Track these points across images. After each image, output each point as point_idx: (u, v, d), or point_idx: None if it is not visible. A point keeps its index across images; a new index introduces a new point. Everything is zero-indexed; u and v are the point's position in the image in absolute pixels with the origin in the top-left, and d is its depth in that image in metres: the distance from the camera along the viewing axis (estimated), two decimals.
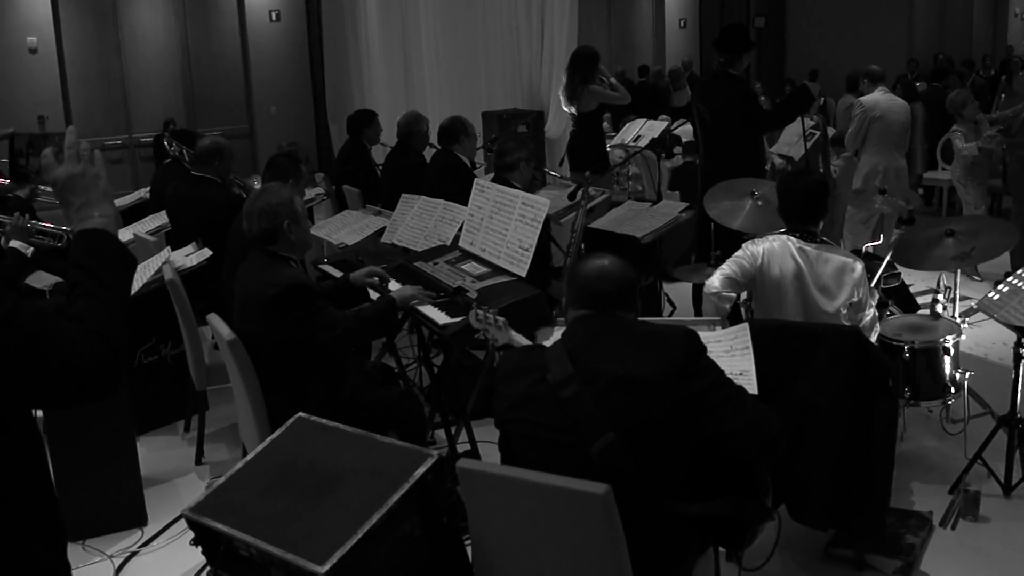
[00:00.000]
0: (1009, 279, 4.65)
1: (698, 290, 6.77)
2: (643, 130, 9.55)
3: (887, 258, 5.06)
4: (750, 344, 3.53)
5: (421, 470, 2.73)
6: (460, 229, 5.47)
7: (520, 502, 2.77)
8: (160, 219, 7.10)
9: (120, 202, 8.15)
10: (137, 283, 5.28)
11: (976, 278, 8.13)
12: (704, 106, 7.04)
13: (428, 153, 7.97)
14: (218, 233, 5.53)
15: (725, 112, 6.79)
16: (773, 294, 4.27)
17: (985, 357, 6.42)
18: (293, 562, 2.52)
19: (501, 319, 3.80)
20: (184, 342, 5.36)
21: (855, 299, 4.21)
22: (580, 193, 5.96)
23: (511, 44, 12.10)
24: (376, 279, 4.75)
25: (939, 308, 5.08)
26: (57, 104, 12.44)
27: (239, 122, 14.20)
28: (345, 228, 6.81)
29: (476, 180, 5.58)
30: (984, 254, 5.07)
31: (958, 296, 5.39)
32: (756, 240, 4.40)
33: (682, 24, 19.24)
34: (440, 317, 4.43)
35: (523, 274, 4.70)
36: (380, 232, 6.41)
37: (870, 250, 6.14)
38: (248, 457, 3.04)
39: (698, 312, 6.87)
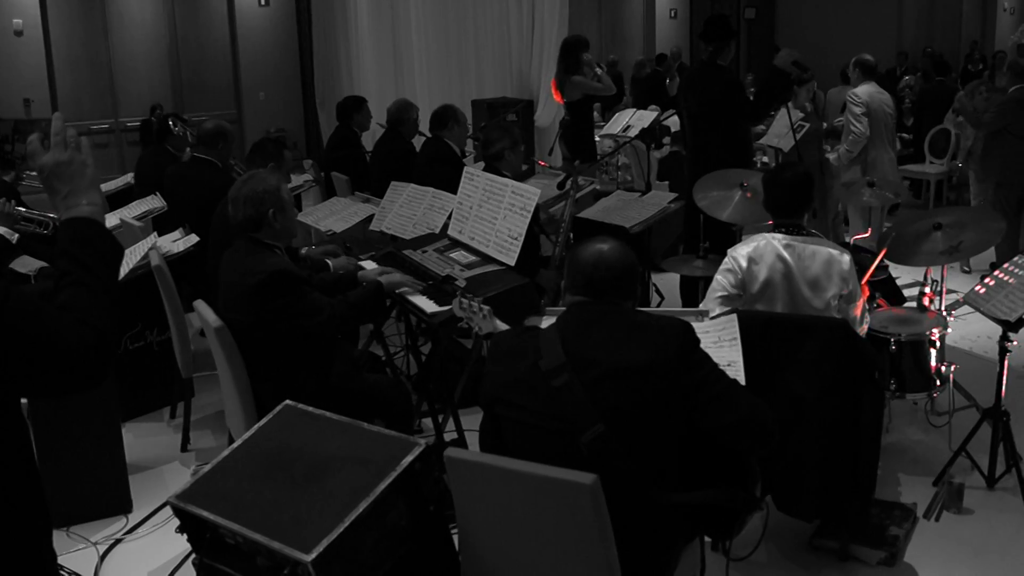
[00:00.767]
0: (995, 273, 4.67)
1: (685, 281, 6.79)
2: (633, 120, 9.54)
3: (881, 255, 5.06)
4: (738, 335, 3.53)
5: (408, 459, 2.72)
6: (449, 217, 5.47)
7: (507, 491, 2.77)
8: (147, 204, 7.07)
9: (106, 187, 8.12)
10: (124, 269, 5.26)
11: (966, 269, 8.17)
12: (691, 97, 7.04)
13: (417, 141, 7.95)
14: (212, 216, 5.50)
15: (712, 103, 6.79)
16: (762, 295, 4.26)
17: (970, 350, 6.45)
18: (279, 550, 2.51)
19: (486, 308, 3.79)
20: (170, 328, 5.34)
21: (845, 291, 4.22)
22: (569, 183, 5.96)
23: (502, 32, 12.11)
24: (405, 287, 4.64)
25: (926, 301, 5.09)
26: (43, 87, 12.36)
27: (227, 107, 14.12)
28: (333, 215, 6.80)
29: (466, 168, 5.56)
30: (972, 248, 5.08)
31: (944, 289, 5.41)
32: (739, 245, 4.38)
33: (672, 14, 19.22)
34: (428, 305, 4.43)
35: (512, 263, 4.70)
36: (369, 219, 6.40)
37: (859, 242, 6.15)
38: (235, 445, 3.03)
39: (685, 302, 6.89)
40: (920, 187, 11.30)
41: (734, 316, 3.67)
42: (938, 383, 4.85)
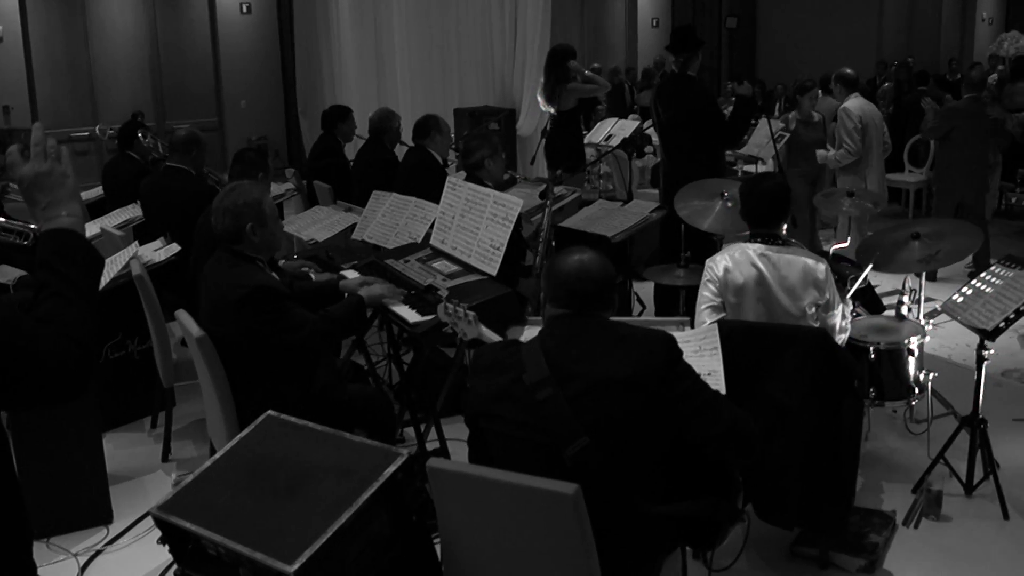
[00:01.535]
0: (973, 282, 4.70)
1: (661, 290, 6.82)
2: (614, 129, 9.59)
3: (868, 269, 5.09)
4: (719, 345, 3.55)
5: (391, 469, 2.72)
6: (431, 227, 5.47)
7: (489, 501, 2.77)
8: (127, 213, 7.07)
9: (86, 195, 8.12)
10: (104, 278, 5.24)
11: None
12: (664, 107, 7.10)
13: (400, 151, 7.96)
14: (193, 224, 5.49)
15: (685, 113, 6.87)
16: (734, 299, 4.30)
17: (949, 358, 6.49)
18: (262, 561, 2.51)
19: (471, 313, 3.79)
20: (151, 338, 5.33)
21: (822, 300, 4.25)
22: (546, 190, 5.98)
23: (484, 41, 12.11)
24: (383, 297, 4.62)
25: (904, 310, 5.12)
26: (23, 94, 12.33)
27: (208, 115, 14.11)
28: (315, 224, 6.80)
29: (448, 178, 5.58)
30: (950, 257, 5.12)
31: (923, 298, 5.44)
32: (716, 256, 4.42)
33: (654, 23, 19.29)
34: (411, 315, 4.44)
35: (494, 273, 4.71)
36: (351, 229, 6.40)
37: (838, 251, 6.18)
38: (217, 455, 3.03)
39: (661, 311, 6.91)
40: (900, 196, 11.36)
41: (715, 326, 3.69)
42: (917, 391, 4.89)
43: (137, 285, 5.19)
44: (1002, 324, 4.36)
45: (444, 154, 7.32)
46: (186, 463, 5.29)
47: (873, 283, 5.61)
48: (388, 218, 6.05)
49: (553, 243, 5.73)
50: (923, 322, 5.17)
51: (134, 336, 5.78)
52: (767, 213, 4.35)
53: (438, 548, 3.03)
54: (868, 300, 5.52)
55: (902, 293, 5.18)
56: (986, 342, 4.49)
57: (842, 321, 4.39)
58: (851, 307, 4.73)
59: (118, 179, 7.77)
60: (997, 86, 13.31)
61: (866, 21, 18.75)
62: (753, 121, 8.64)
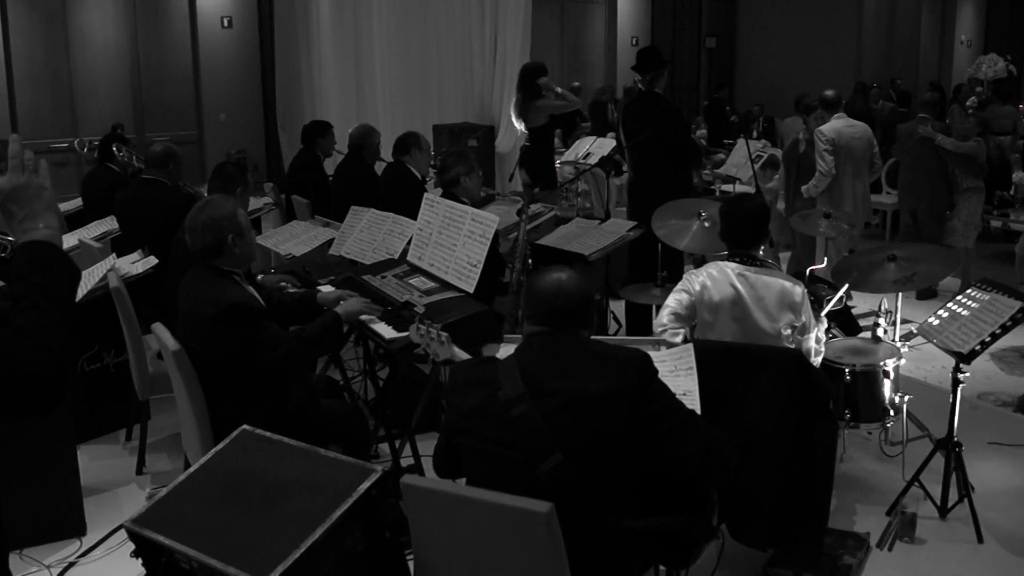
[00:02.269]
0: (949, 304, 4.74)
1: (633, 308, 6.85)
2: (593, 147, 9.62)
3: (843, 290, 5.12)
4: (694, 365, 3.56)
5: (365, 485, 2.72)
6: (409, 243, 5.47)
7: (463, 519, 2.77)
8: (105, 225, 7.04)
9: (65, 207, 8.10)
10: (81, 290, 5.23)
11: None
12: (633, 125, 7.17)
13: (379, 167, 7.96)
14: (171, 236, 5.47)
15: (650, 130, 6.94)
16: (708, 317, 4.32)
17: (924, 381, 6.52)
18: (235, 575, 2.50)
19: (444, 334, 3.79)
20: (128, 350, 5.30)
21: (798, 323, 4.27)
22: (522, 208, 5.99)
23: (464, 58, 12.15)
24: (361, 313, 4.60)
25: (880, 332, 5.15)
26: (2, 105, 12.26)
27: (188, 128, 14.07)
28: (293, 239, 6.78)
29: (426, 195, 5.58)
30: (924, 280, 5.16)
31: (899, 320, 5.47)
32: (696, 271, 4.45)
33: (634, 42, 19.35)
34: (387, 331, 4.43)
35: (471, 290, 4.71)
36: (328, 244, 6.39)
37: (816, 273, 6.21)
38: (191, 469, 3.02)
39: (632, 330, 6.93)
40: (876, 216, 11.44)
41: (690, 346, 3.70)
42: (892, 413, 4.91)
43: (114, 297, 5.16)
44: (978, 347, 4.39)
45: (424, 171, 7.32)
46: (160, 476, 5.26)
47: (849, 304, 5.64)
48: (366, 234, 6.05)
49: (530, 261, 5.73)
50: (899, 344, 5.20)
51: (110, 348, 5.76)
52: (746, 234, 4.37)
53: (411, 565, 3.02)
54: (844, 321, 5.55)
55: (878, 315, 5.21)
56: (962, 365, 4.51)
57: (817, 344, 4.42)
58: (825, 324, 4.75)
59: (97, 191, 7.74)
60: (978, 108, 13.43)
61: (845, 42, 18.88)
62: (732, 141, 8.71)
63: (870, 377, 4.84)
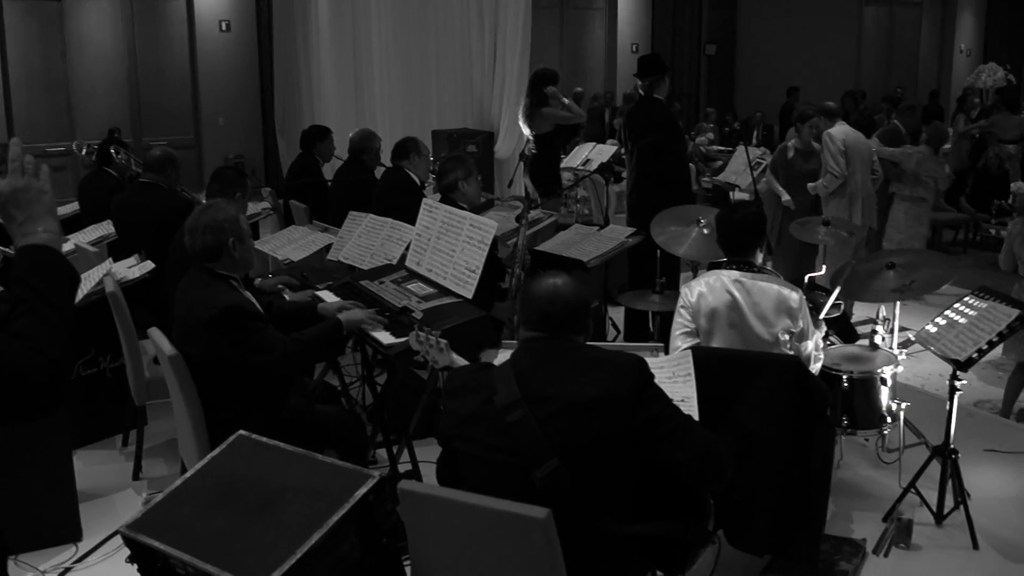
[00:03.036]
0: (947, 312, 4.74)
1: (631, 314, 6.85)
2: (592, 154, 9.63)
3: (835, 293, 5.12)
4: (692, 371, 3.56)
5: (362, 490, 2.71)
6: (407, 248, 5.47)
7: (460, 524, 2.77)
8: (102, 229, 7.04)
9: (61, 211, 8.09)
10: (78, 294, 5.21)
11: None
12: (633, 130, 7.20)
13: (379, 172, 7.96)
14: (168, 240, 5.46)
15: (654, 135, 6.95)
16: (706, 324, 4.33)
17: (922, 388, 6.52)
18: None
19: (443, 341, 3.79)
20: (124, 355, 5.29)
21: (796, 329, 4.27)
22: (522, 213, 5.99)
23: (463, 63, 12.14)
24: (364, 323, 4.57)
25: (877, 339, 5.15)
26: None
27: (185, 132, 14.08)
28: (291, 244, 6.78)
29: (424, 200, 5.58)
30: (924, 287, 5.16)
31: (896, 327, 5.47)
32: (691, 282, 4.46)
33: (634, 48, 19.38)
34: (385, 337, 4.42)
35: (469, 296, 4.71)
36: (326, 249, 6.39)
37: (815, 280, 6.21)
38: (187, 474, 3.01)
39: (630, 337, 6.94)
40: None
41: (688, 352, 3.70)
42: (889, 420, 4.90)
43: (110, 302, 5.16)
44: (975, 355, 4.40)
45: (423, 176, 7.33)
46: (157, 482, 5.25)
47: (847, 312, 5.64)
48: (364, 239, 6.05)
49: (525, 267, 5.73)
50: (896, 352, 5.20)
51: (106, 353, 5.74)
52: (743, 241, 4.38)
53: (408, 570, 3.02)
54: (842, 329, 5.55)
55: (876, 323, 5.21)
56: (959, 372, 4.52)
57: (815, 351, 4.42)
58: (824, 330, 4.76)
59: (94, 195, 7.74)
60: (979, 116, 13.44)
61: (845, 50, 18.92)
62: (731, 148, 8.72)
63: (867, 384, 4.84)
